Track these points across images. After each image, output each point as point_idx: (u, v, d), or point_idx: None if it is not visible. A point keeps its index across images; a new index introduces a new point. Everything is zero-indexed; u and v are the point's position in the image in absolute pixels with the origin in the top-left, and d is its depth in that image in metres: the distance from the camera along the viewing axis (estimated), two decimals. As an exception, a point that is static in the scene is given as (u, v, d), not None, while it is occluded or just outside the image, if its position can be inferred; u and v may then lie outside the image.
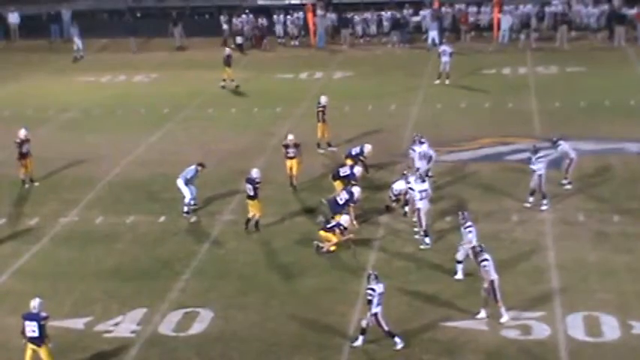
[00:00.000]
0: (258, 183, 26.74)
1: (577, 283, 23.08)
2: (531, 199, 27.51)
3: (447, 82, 42.06)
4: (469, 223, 23.31)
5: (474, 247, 22.42)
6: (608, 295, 22.30)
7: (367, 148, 29.79)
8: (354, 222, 26.19)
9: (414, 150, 28.97)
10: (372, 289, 20.04)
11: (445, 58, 42.07)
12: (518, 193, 27.95)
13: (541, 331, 20.88)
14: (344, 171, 28.20)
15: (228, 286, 23.65)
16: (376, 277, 20.33)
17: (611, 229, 26.27)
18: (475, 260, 21.88)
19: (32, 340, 19.17)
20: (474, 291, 21.86)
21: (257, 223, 26.84)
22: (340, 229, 25.19)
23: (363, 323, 20.28)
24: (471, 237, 23.03)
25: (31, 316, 19.23)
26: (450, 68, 42.21)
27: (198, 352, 20.61)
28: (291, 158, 29.83)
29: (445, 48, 42.91)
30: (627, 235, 25.79)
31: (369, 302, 20.05)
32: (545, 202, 27.42)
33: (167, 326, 21.81)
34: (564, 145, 29.00)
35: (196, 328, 21.69)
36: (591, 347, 20.20)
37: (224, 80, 43.26)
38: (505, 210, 27.67)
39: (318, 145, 33.07)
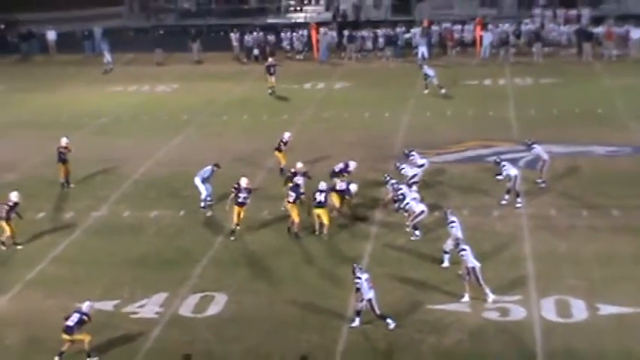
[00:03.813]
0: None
1: (550, 270, 23.12)
2: (507, 196, 27.51)
3: (443, 90, 42.00)
4: (452, 219, 23.39)
5: (457, 239, 22.54)
6: (577, 281, 22.35)
7: (352, 164, 28.76)
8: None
9: (403, 168, 28.39)
10: (359, 278, 20.17)
11: (431, 74, 42.13)
12: (498, 191, 27.89)
13: (518, 312, 20.95)
14: (340, 186, 27.19)
15: (240, 273, 23.69)
16: (360, 269, 20.55)
17: (580, 222, 26.31)
18: (456, 250, 22.07)
19: (66, 328, 19.31)
20: (459, 278, 21.87)
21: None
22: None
23: (358, 306, 20.38)
24: (454, 231, 23.07)
25: (78, 310, 19.55)
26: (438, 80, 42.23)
27: (214, 332, 20.67)
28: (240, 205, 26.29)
29: (426, 67, 43.15)
30: (595, 228, 25.82)
31: (358, 290, 20.21)
32: (519, 200, 27.43)
33: (186, 308, 21.88)
34: (538, 149, 29.03)
35: (212, 310, 21.76)
36: (562, 327, 20.27)
37: (271, 87, 43.61)
38: (487, 206, 27.66)
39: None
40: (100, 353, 19.53)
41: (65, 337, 19.32)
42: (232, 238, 25.71)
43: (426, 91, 42.24)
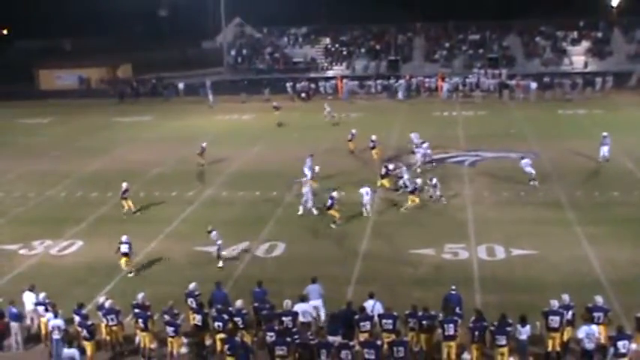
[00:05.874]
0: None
1: (483, 228, 22.94)
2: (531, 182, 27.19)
3: (335, 116, 41.26)
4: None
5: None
6: (499, 235, 22.20)
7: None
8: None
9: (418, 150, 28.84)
10: (211, 233, 20.57)
11: (328, 109, 41.65)
12: (456, 181, 27.65)
13: (463, 254, 20.84)
14: (383, 171, 26.61)
15: (294, 230, 23.65)
16: (212, 230, 20.60)
17: (502, 199, 26.05)
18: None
19: (123, 254, 20.13)
20: (424, 235, 21.73)
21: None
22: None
23: (216, 253, 20.63)
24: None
25: (124, 241, 20.25)
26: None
27: (277, 266, 20.75)
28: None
29: (326, 105, 42.54)
30: (511, 203, 25.61)
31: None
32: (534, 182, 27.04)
33: (260, 251, 21.93)
34: (425, 146, 29.61)
35: (276, 252, 21.78)
36: (490, 263, 20.17)
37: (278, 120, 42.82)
38: (445, 189, 27.23)
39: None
40: (206, 279, 19.02)
41: (123, 259, 20.08)
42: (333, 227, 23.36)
43: (326, 119, 41.40)
